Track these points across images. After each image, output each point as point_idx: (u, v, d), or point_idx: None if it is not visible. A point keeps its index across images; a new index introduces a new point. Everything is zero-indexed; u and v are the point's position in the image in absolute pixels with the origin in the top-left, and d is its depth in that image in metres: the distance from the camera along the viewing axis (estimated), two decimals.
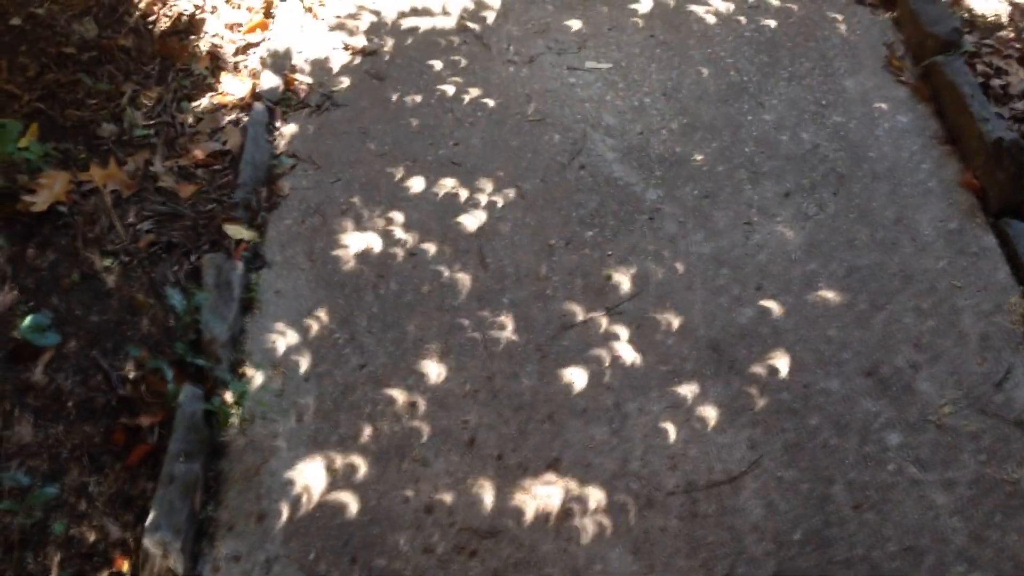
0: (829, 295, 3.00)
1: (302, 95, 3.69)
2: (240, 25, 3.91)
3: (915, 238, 3.17)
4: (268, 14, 3.97)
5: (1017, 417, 2.69)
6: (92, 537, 2.42)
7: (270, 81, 3.66)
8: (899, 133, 3.53)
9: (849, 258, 3.11)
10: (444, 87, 3.74)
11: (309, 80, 3.75)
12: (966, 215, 3.24)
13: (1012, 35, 3.90)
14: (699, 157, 3.45)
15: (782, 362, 2.83)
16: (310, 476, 2.56)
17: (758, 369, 2.81)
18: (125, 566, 2.37)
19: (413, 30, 3.97)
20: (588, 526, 2.47)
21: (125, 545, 2.41)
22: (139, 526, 2.42)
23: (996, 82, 3.68)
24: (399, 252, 3.12)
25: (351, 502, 2.51)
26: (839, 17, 4.02)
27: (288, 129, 3.55)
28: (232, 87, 3.65)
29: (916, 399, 2.74)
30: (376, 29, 3.98)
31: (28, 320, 2.74)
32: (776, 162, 3.44)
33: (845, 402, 2.74)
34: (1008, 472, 2.57)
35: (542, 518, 2.49)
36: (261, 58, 3.79)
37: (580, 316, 2.94)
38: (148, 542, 2.30)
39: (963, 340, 2.88)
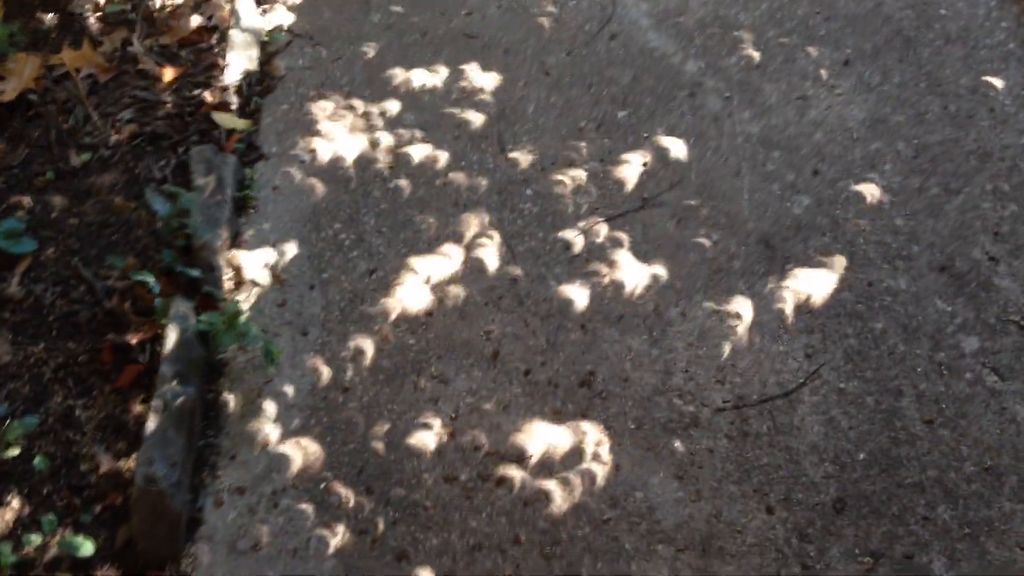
0: (896, 179, 2.65)
1: None
2: None
3: (994, 109, 2.80)
4: None
5: None
6: (81, 468, 2.20)
7: None
8: None
9: (918, 135, 2.75)
10: None
11: None
12: None
13: None
14: (745, 21, 3.04)
15: (842, 258, 2.51)
16: (318, 397, 2.31)
17: (815, 266, 2.50)
18: (119, 500, 2.16)
19: None
20: (626, 449, 2.22)
21: (118, 477, 2.19)
22: (133, 455, 2.19)
23: None
24: (409, 140, 2.78)
25: (364, 426, 2.26)
26: None
27: (281, 0, 3.16)
28: None
29: (995, 297, 2.44)
30: None
31: (0, 225, 2.45)
32: (834, 24, 3.03)
33: (915, 302, 2.43)
34: None
35: (575, 441, 2.23)
36: None
37: (613, 209, 2.62)
38: (141, 476, 2.08)
39: None
